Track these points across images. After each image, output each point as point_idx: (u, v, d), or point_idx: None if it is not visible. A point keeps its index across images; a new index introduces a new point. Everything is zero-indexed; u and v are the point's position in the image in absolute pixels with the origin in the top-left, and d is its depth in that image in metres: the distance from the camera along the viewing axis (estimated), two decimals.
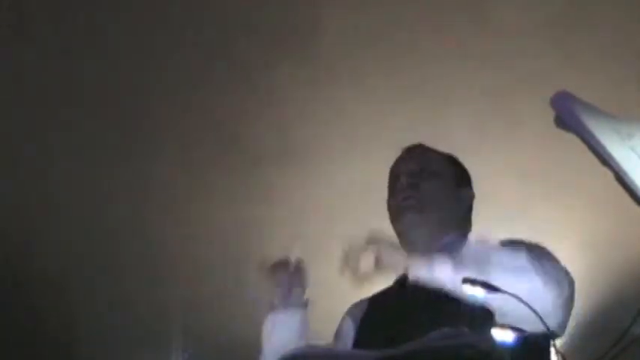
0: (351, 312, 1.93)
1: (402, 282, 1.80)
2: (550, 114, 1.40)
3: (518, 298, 1.50)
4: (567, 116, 1.37)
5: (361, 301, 1.93)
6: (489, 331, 1.51)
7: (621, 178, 1.31)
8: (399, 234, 1.87)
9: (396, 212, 1.89)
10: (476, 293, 1.53)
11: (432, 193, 1.87)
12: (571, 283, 1.66)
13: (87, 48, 3.23)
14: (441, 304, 1.59)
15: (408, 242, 1.83)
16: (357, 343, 1.81)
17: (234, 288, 3.62)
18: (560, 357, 1.56)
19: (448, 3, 3.16)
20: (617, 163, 1.31)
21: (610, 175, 1.33)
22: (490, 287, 1.52)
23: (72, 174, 3.60)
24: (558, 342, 1.59)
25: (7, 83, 3.30)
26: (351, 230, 1.84)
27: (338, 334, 1.92)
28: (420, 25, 3.21)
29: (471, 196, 1.96)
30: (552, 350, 1.60)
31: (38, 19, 3.16)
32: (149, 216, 3.73)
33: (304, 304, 1.89)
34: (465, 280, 1.54)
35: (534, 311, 1.49)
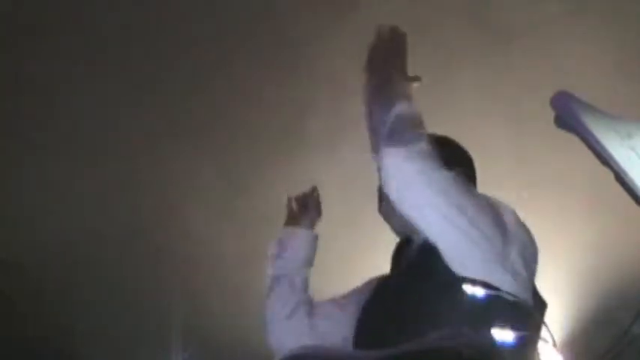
0: (359, 290, 1.89)
1: (405, 268, 1.76)
2: (550, 113, 1.41)
3: (515, 296, 1.51)
4: (567, 116, 1.37)
5: (369, 282, 1.87)
6: (489, 331, 1.51)
7: (621, 178, 1.31)
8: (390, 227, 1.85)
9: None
10: (476, 292, 1.53)
11: None
12: (511, 241, 1.56)
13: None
14: (442, 299, 1.58)
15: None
16: (355, 344, 1.80)
17: (234, 288, 3.61)
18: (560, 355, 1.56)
19: None
20: (617, 163, 1.31)
21: (610, 175, 1.33)
22: (490, 287, 1.52)
23: (73, 172, 3.60)
24: (558, 340, 1.58)
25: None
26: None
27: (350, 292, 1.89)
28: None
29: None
30: (552, 350, 1.60)
31: None
32: (149, 215, 3.73)
33: (312, 226, 1.93)
34: (465, 280, 1.53)
35: (520, 301, 1.49)
